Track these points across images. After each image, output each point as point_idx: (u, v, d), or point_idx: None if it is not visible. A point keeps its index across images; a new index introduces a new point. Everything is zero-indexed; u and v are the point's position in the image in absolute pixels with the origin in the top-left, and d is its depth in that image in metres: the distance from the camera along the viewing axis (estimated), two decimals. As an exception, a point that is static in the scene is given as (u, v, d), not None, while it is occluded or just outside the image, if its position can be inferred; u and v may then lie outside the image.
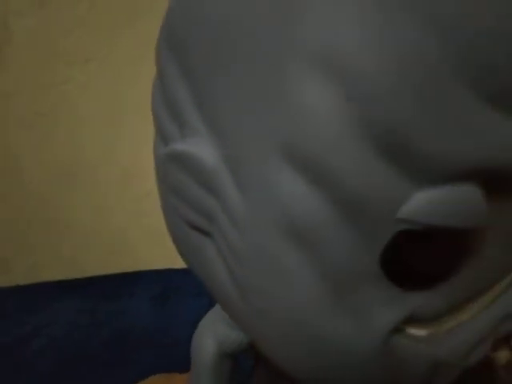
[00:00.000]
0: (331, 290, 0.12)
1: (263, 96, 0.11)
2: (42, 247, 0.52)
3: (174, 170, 0.14)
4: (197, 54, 0.13)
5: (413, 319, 0.12)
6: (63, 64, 0.47)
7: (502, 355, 0.17)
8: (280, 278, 0.12)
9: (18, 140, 0.49)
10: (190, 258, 0.16)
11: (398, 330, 0.12)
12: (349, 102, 0.10)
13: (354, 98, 0.10)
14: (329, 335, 0.12)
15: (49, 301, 0.48)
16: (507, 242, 0.13)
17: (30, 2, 0.45)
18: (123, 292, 0.48)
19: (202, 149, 0.13)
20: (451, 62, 0.10)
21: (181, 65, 0.14)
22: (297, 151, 0.11)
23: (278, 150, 0.11)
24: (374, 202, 0.10)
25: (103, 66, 0.47)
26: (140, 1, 0.46)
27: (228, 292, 0.14)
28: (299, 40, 0.10)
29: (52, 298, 0.48)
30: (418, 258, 0.13)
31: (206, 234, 0.14)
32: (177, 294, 0.46)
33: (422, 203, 0.10)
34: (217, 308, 0.19)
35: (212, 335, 0.19)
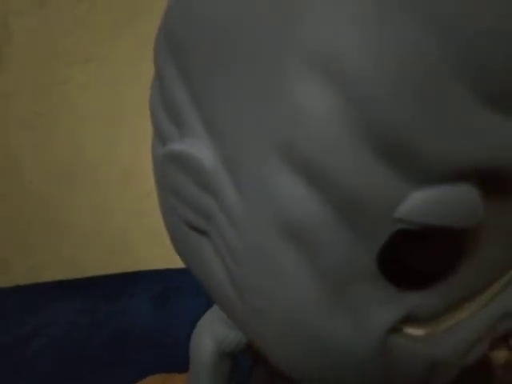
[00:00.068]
0: (328, 290, 0.12)
1: (262, 96, 0.11)
2: (41, 247, 0.52)
3: (172, 170, 0.14)
4: (195, 54, 0.13)
5: (410, 319, 0.12)
6: (63, 64, 0.47)
7: (501, 355, 0.17)
8: (277, 277, 0.12)
9: (18, 140, 0.49)
10: (188, 257, 0.16)
11: (395, 329, 0.12)
12: (348, 103, 0.10)
13: (353, 99, 0.10)
14: (326, 335, 0.12)
15: (49, 301, 0.48)
16: (505, 242, 0.13)
17: (30, 1, 0.45)
18: (123, 292, 0.48)
19: (200, 149, 0.13)
20: (451, 62, 0.09)
21: (179, 65, 0.14)
22: (295, 152, 0.11)
23: (277, 151, 0.11)
24: (372, 202, 0.10)
25: (103, 66, 0.47)
26: (140, 1, 0.45)
27: (226, 292, 0.14)
28: (299, 40, 0.10)
29: (52, 298, 0.48)
30: (415, 258, 0.13)
31: (204, 233, 0.14)
32: (177, 294, 0.46)
33: (419, 203, 0.10)
34: (215, 308, 0.19)
35: (210, 335, 0.19)
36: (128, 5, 0.46)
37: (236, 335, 0.18)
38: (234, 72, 0.12)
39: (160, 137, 0.15)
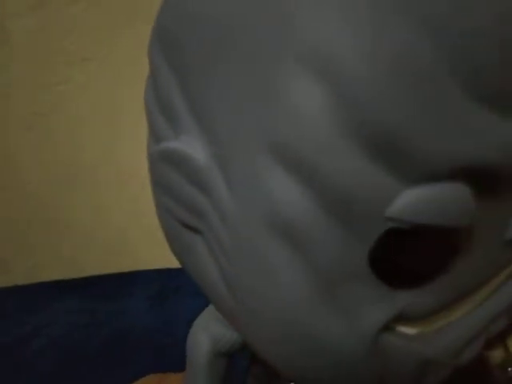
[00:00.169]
0: (320, 289, 0.12)
1: (255, 95, 0.11)
2: (41, 247, 0.52)
3: (165, 167, 0.14)
4: (188, 52, 0.13)
5: (403, 317, 0.12)
6: (63, 64, 0.47)
7: (497, 354, 0.17)
8: (268, 276, 0.12)
9: (18, 140, 0.49)
10: (183, 257, 0.16)
11: (388, 328, 0.12)
12: (341, 103, 0.10)
13: (346, 99, 0.10)
14: (318, 334, 0.12)
15: (49, 301, 0.48)
16: (498, 242, 0.13)
17: (30, 2, 0.45)
18: (123, 292, 0.48)
19: (193, 147, 0.13)
20: (445, 62, 0.09)
21: (172, 63, 0.14)
22: (286, 151, 0.11)
23: (268, 150, 0.11)
24: (363, 200, 0.10)
25: (103, 66, 0.47)
26: (140, 1, 0.45)
27: (220, 291, 0.14)
28: (293, 40, 0.10)
29: (52, 298, 0.48)
30: (407, 257, 0.13)
31: (198, 232, 0.14)
32: (176, 294, 0.46)
33: (411, 202, 0.10)
34: (211, 307, 0.19)
35: (206, 334, 0.19)
36: (128, 5, 0.46)
37: (232, 335, 0.18)
38: (227, 71, 0.12)
39: (154, 134, 0.15)
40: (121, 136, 0.49)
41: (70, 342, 0.42)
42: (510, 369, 0.17)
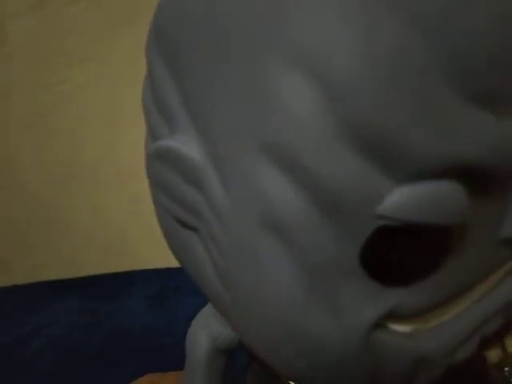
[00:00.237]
0: (311, 287, 0.12)
1: (249, 96, 0.11)
2: (41, 247, 0.52)
3: (161, 166, 0.14)
4: (184, 52, 0.13)
5: (395, 315, 0.12)
6: (63, 64, 0.47)
7: (494, 354, 0.17)
8: (261, 274, 0.12)
9: (18, 140, 0.49)
10: (181, 255, 0.16)
11: (380, 325, 0.12)
12: (332, 102, 0.10)
13: (337, 98, 0.10)
14: (310, 332, 0.12)
15: (49, 301, 0.48)
16: (491, 241, 0.13)
17: (29, 2, 0.45)
18: (123, 292, 0.48)
19: (188, 146, 0.13)
20: (437, 62, 0.10)
21: (169, 63, 0.14)
22: (279, 151, 0.11)
23: (262, 149, 0.11)
24: (355, 199, 0.11)
25: (103, 66, 0.47)
26: (140, 1, 0.46)
27: (216, 289, 0.14)
28: (284, 40, 0.10)
29: (52, 298, 0.49)
30: (399, 254, 0.13)
31: (195, 230, 0.14)
32: (176, 294, 0.47)
33: (402, 199, 0.10)
34: (210, 305, 0.19)
35: (205, 332, 0.19)
36: (128, 5, 0.46)
37: (230, 332, 0.18)
38: (223, 71, 0.12)
39: (151, 133, 0.15)
40: (121, 136, 0.49)
41: (70, 341, 0.43)
42: (506, 368, 0.17)
